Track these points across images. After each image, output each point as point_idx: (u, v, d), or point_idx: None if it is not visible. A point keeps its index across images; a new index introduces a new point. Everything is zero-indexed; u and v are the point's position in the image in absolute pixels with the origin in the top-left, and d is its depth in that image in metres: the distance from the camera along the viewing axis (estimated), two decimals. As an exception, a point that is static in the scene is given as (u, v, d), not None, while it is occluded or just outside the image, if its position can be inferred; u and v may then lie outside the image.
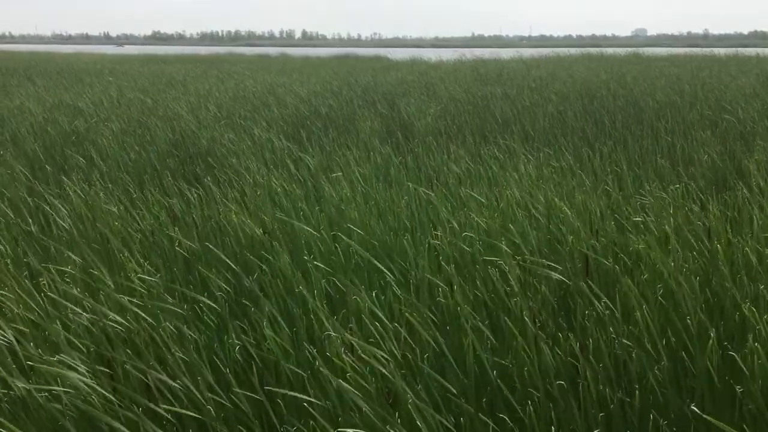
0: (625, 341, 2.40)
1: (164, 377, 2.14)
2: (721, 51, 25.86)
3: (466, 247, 3.26)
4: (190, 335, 2.53)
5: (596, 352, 2.38)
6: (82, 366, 2.14)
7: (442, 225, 3.63)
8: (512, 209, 3.84)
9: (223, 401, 2.22)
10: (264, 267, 3.23)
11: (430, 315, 2.60)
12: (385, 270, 2.93)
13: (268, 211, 4.04)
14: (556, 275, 2.88)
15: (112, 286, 2.83)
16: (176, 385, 2.14)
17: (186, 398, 2.16)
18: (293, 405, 2.28)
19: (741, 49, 26.13)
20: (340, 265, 3.25)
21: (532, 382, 2.28)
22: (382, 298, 2.86)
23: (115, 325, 2.49)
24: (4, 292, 2.70)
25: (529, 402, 2.17)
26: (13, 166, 5.93)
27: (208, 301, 2.81)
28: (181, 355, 2.30)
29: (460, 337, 2.53)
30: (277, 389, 2.25)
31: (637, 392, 2.22)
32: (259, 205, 4.25)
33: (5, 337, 2.24)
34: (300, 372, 2.32)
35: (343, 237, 3.40)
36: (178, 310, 2.75)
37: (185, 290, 3.03)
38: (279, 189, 4.62)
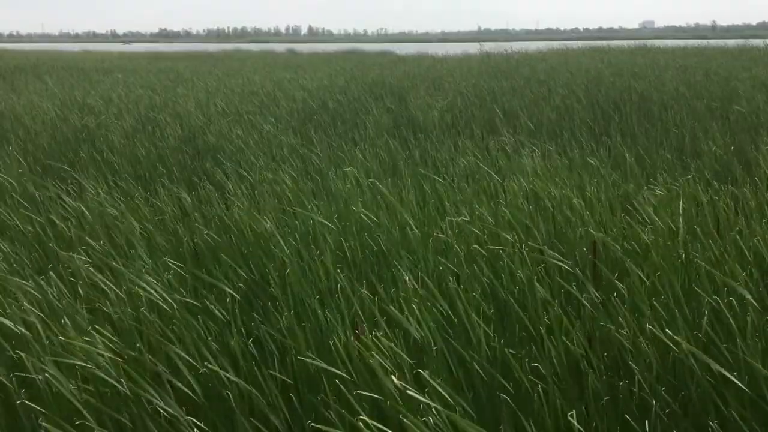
0: (633, 331, 2.42)
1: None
2: (729, 42, 25.69)
3: (472, 240, 3.28)
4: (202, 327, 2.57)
5: (603, 342, 2.40)
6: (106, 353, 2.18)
7: (449, 218, 3.65)
8: (520, 202, 3.86)
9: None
10: (282, 256, 3.26)
11: (439, 307, 2.62)
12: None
13: (276, 207, 4.08)
14: (564, 263, 2.90)
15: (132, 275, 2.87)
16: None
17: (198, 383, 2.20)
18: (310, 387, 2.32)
19: (749, 41, 25.96)
20: (347, 261, 3.28)
21: (538, 371, 2.31)
22: (392, 291, 2.89)
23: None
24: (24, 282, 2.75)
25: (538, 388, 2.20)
26: (24, 164, 5.99)
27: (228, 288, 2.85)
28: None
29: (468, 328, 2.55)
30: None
31: (642, 382, 2.24)
32: (267, 201, 4.28)
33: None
34: (312, 361, 2.35)
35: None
36: (193, 302, 2.79)
37: (195, 284, 3.07)
38: (288, 184, 4.66)
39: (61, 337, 2.33)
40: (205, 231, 3.72)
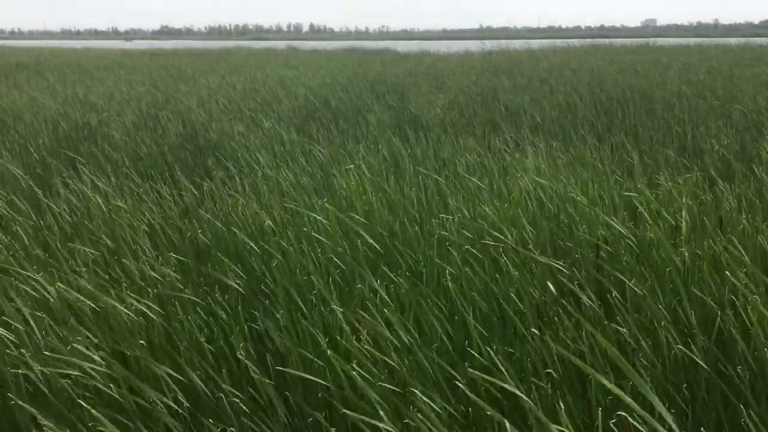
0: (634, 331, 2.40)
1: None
2: (731, 41, 25.67)
3: (475, 237, 3.27)
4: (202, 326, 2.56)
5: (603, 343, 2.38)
6: (97, 354, 2.17)
7: (451, 215, 3.64)
8: (523, 199, 3.84)
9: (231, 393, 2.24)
10: (277, 256, 3.24)
11: (438, 303, 2.61)
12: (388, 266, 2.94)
13: (278, 203, 4.06)
14: (561, 266, 2.88)
15: (136, 273, 2.86)
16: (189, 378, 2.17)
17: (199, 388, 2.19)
18: (304, 389, 2.31)
19: (751, 39, 25.93)
20: (348, 257, 3.26)
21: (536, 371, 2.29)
22: (391, 287, 2.87)
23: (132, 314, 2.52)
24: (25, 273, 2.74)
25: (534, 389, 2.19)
26: (26, 159, 5.99)
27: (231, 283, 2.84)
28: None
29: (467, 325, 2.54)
30: (290, 370, 2.27)
31: (647, 379, 2.23)
32: (269, 198, 4.27)
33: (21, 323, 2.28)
34: (314, 359, 2.34)
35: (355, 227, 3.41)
36: (195, 298, 2.78)
37: (198, 279, 3.06)
38: (289, 181, 4.64)
39: (60, 337, 2.32)
40: (206, 228, 3.71)
